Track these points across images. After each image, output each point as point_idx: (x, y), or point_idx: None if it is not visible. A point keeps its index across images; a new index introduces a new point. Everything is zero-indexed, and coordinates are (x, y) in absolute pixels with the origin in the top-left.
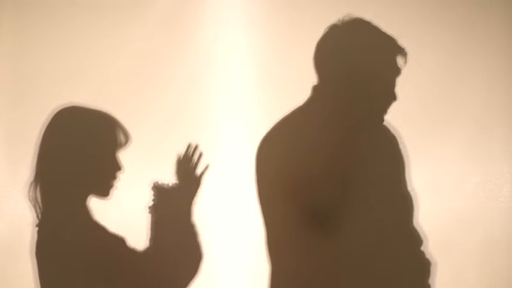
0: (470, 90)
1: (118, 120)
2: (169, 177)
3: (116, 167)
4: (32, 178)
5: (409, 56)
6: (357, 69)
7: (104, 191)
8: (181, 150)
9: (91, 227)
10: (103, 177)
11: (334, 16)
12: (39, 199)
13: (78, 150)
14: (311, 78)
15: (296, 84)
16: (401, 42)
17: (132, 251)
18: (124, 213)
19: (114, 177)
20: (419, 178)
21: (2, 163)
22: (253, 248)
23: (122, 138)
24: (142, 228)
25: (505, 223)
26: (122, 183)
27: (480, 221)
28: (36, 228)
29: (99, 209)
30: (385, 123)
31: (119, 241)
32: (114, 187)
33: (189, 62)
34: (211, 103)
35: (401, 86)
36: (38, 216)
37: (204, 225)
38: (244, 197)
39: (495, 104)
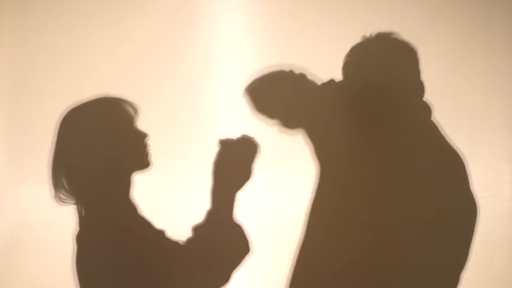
0: (471, 90)
1: (117, 96)
2: (174, 184)
3: (141, 135)
4: (62, 187)
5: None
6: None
7: (144, 163)
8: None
9: (133, 222)
10: (136, 150)
11: (335, 16)
12: (78, 204)
13: (103, 139)
14: (311, 79)
15: (296, 84)
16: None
17: (173, 244)
18: None
19: (145, 145)
20: None
21: (2, 163)
22: (254, 247)
23: (131, 110)
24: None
25: (505, 223)
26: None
27: (480, 221)
28: (75, 234)
29: None
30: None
31: (160, 235)
32: (150, 154)
33: (189, 62)
34: (211, 103)
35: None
36: (80, 214)
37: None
38: (245, 196)
39: (496, 104)
